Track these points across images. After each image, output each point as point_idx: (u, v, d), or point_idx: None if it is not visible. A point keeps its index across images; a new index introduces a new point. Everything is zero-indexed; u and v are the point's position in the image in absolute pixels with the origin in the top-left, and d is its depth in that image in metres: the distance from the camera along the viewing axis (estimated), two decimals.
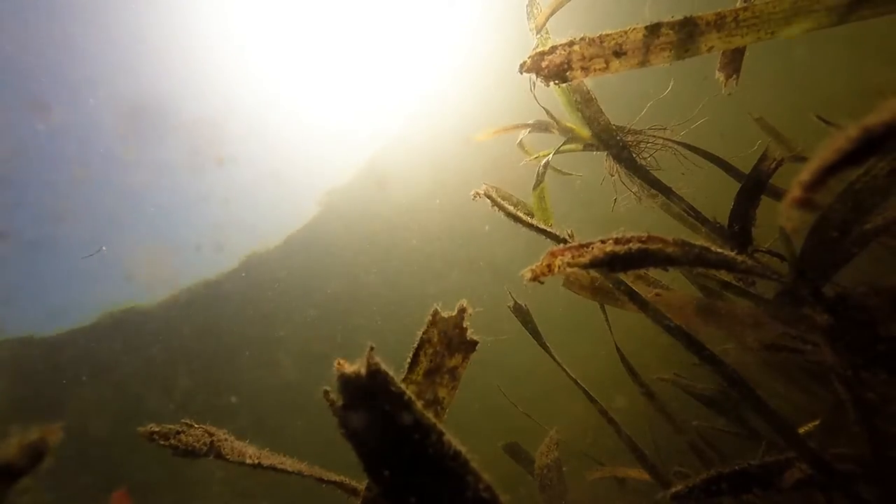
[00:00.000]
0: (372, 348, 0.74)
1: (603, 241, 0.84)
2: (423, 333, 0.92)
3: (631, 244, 0.82)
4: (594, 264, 0.80)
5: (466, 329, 0.94)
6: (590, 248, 0.82)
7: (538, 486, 1.89)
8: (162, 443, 1.10)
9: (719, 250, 1.08)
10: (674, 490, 1.23)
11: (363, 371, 0.70)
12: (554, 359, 1.85)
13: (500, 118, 2.54)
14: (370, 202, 11.95)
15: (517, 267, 0.92)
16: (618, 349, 2.65)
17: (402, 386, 0.68)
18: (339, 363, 0.71)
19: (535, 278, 0.82)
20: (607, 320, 2.07)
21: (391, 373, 0.72)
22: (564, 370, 1.84)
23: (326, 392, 0.81)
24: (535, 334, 1.85)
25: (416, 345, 0.92)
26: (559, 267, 0.81)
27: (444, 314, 0.93)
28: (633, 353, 2.74)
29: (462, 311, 0.94)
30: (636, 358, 2.71)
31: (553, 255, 0.83)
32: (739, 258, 1.13)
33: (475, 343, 0.94)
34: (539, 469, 1.93)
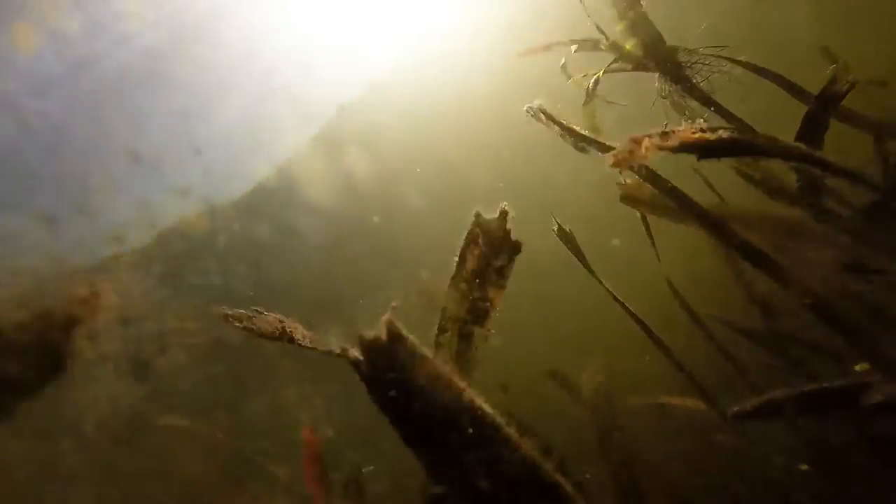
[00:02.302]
0: (394, 307, 0.71)
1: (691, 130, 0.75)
2: (468, 234, 0.87)
3: (721, 132, 0.73)
4: (683, 149, 0.72)
5: (510, 231, 0.88)
6: (677, 134, 0.74)
7: (589, 410, 1.89)
8: (237, 325, 1.09)
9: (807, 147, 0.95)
10: (736, 409, 1.17)
11: (383, 336, 0.67)
12: (601, 283, 1.78)
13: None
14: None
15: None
16: (669, 284, 2.55)
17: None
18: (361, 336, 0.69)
19: (616, 164, 0.74)
20: (654, 245, 1.97)
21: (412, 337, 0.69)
22: (612, 294, 1.76)
23: (355, 361, 0.78)
24: (581, 259, 1.77)
25: (462, 245, 0.88)
26: (645, 150, 0.72)
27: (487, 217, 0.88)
28: (680, 288, 2.62)
29: (504, 213, 0.88)
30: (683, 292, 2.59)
31: (636, 140, 0.74)
32: (829, 159, 0.99)
33: (520, 244, 0.89)
34: (587, 393, 1.93)
